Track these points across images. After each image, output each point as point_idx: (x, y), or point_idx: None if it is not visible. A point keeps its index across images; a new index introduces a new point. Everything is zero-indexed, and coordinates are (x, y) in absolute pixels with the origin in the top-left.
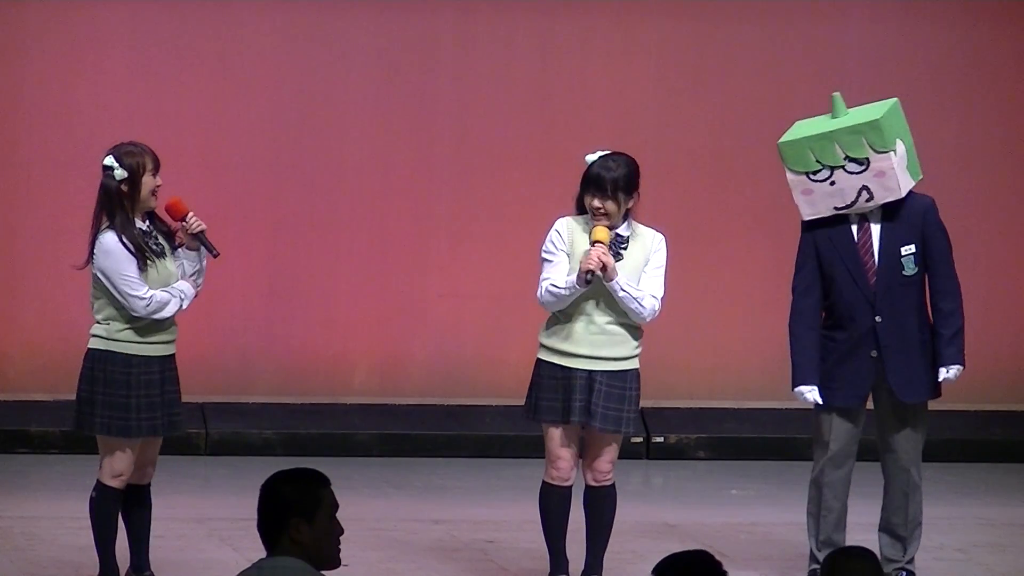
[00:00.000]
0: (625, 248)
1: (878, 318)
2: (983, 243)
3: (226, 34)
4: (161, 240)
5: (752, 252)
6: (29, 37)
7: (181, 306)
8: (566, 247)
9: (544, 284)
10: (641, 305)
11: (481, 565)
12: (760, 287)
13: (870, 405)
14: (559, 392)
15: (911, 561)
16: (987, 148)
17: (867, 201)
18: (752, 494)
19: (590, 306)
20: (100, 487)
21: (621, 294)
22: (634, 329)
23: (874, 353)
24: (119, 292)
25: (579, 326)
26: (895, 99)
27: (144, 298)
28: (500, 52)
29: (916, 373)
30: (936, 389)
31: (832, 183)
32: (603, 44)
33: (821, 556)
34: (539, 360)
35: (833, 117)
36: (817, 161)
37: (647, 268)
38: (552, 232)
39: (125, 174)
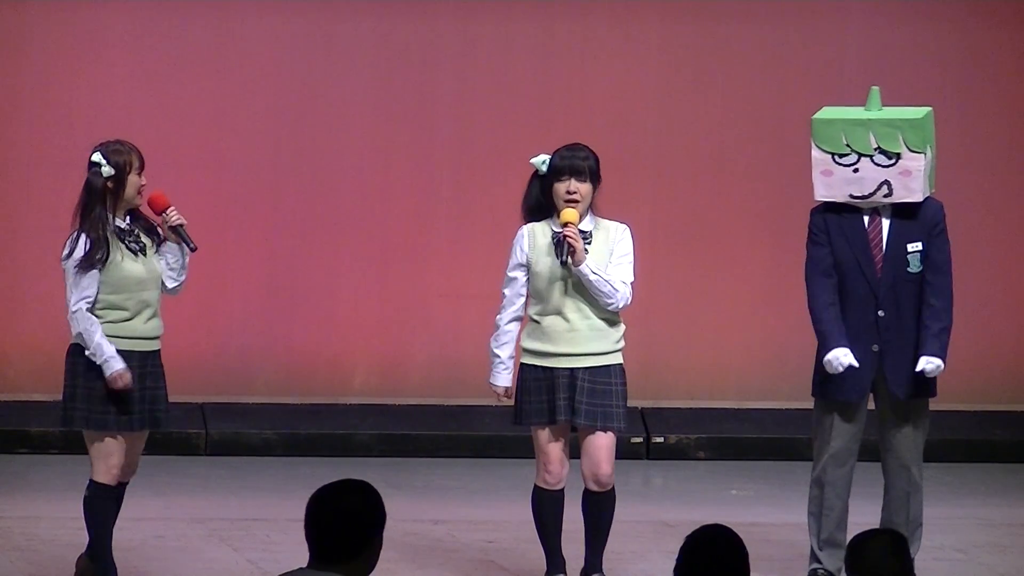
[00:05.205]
0: (589, 243)
1: (881, 312)
2: (983, 243)
3: (226, 34)
4: (143, 238)
5: (752, 252)
6: (29, 37)
7: (84, 340)
8: (528, 253)
9: (498, 317)
10: (613, 288)
11: (481, 565)
12: (760, 287)
13: (871, 405)
14: (543, 393)
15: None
16: (987, 148)
17: (884, 196)
18: (752, 494)
19: (564, 305)
20: (91, 484)
21: (592, 277)
22: (613, 323)
23: (875, 347)
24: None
25: (556, 326)
26: (930, 108)
27: (72, 309)
28: (500, 52)
29: (913, 371)
30: (932, 388)
31: (855, 170)
32: (603, 44)
33: (822, 555)
34: (522, 364)
35: (867, 110)
36: (847, 145)
37: (613, 257)
38: (515, 246)
39: (112, 171)
